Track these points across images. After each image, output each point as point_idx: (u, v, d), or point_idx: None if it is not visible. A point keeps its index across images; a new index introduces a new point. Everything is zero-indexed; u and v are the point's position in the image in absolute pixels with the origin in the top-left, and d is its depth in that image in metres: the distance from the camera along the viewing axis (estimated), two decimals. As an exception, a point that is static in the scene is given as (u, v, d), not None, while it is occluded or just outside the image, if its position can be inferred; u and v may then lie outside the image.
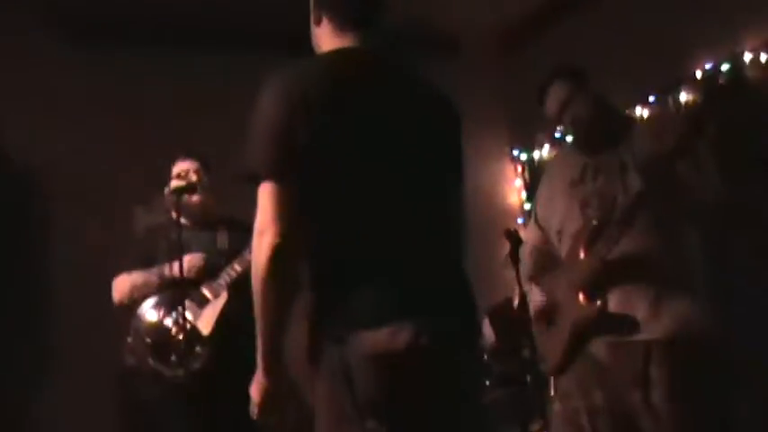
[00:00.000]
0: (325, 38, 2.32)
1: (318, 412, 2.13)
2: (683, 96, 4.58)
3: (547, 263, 3.20)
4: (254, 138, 2.11)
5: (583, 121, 3.07)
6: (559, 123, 3.20)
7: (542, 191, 3.38)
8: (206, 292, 3.67)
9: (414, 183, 2.16)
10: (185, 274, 3.48)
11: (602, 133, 3.10)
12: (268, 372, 2.12)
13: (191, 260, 3.64)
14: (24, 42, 5.39)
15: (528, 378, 3.66)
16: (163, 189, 3.83)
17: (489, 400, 4.35)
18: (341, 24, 2.29)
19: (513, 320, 3.26)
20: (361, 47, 2.27)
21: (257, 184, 2.07)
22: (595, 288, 2.91)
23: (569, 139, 3.26)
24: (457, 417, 2.13)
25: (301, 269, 2.13)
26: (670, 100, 4.69)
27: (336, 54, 2.25)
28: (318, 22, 2.34)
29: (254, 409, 2.17)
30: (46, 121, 5.32)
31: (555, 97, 3.12)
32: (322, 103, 2.07)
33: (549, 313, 3.09)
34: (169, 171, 3.91)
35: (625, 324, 2.86)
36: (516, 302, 3.08)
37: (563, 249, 3.12)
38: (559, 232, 3.15)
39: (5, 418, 4.90)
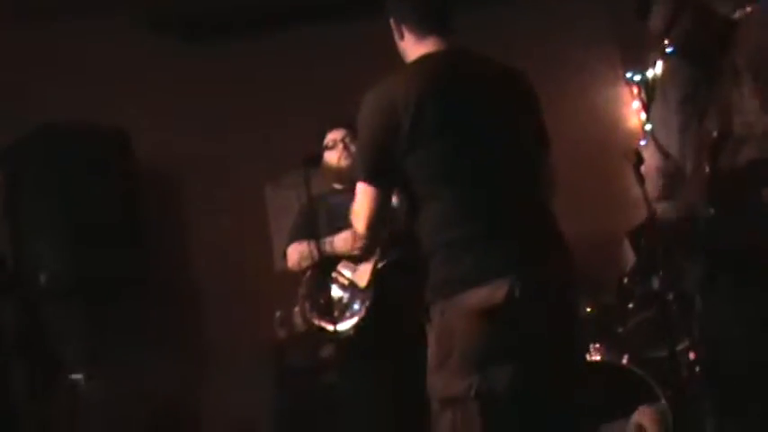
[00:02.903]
0: (410, 48, 2.69)
1: (429, 363, 2.48)
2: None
3: (673, 182, 3.16)
4: (357, 147, 2.72)
5: (690, 35, 3.00)
6: (665, 39, 3.13)
7: (656, 111, 3.31)
8: None
9: (502, 157, 2.54)
10: (346, 251, 3.73)
11: (711, 43, 3.01)
12: None
13: (348, 237, 3.81)
14: (136, 42, 5.65)
15: (671, 297, 3.63)
16: (291, 165, 3.96)
17: (633, 323, 4.36)
18: (420, 33, 2.65)
19: (652, 240, 3.24)
20: (441, 50, 2.62)
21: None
22: (727, 199, 2.85)
23: (677, 53, 3.17)
24: (556, 358, 2.47)
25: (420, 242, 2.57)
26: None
27: (420, 63, 2.62)
28: (402, 36, 2.70)
29: None
30: (169, 116, 5.61)
31: (659, 14, 3.05)
32: (410, 110, 2.45)
33: (683, 229, 3.05)
34: (321, 143, 4.01)
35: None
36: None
37: (687, 166, 3.06)
38: (681, 149, 3.10)
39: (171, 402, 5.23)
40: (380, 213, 2.58)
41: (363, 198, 2.58)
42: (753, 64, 2.83)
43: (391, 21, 2.72)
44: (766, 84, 2.78)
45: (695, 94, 3.05)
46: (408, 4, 2.69)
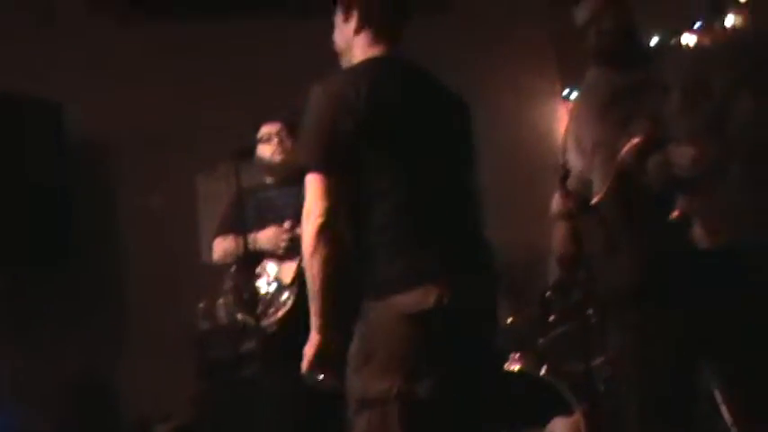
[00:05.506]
0: (361, 47, 2.65)
1: (349, 363, 2.43)
2: (730, 20, 4.43)
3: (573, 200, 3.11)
4: (303, 137, 2.53)
5: (610, 33, 2.96)
6: (586, 34, 3.03)
7: (577, 114, 3.24)
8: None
9: (437, 168, 2.53)
10: (270, 248, 3.80)
11: (629, 50, 3.00)
12: (320, 330, 2.41)
13: (272, 235, 3.83)
14: (78, 19, 5.61)
15: (590, 312, 3.69)
16: (225, 155, 3.93)
17: (553, 335, 4.43)
18: (377, 37, 2.64)
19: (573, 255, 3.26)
20: (390, 56, 2.63)
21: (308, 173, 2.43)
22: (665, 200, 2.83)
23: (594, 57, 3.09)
24: (478, 367, 2.49)
25: (349, 244, 2.47)
26: (716, 25, 4.56)
27: (370, 63, 2.60)
28: (358, 33, 2.65)
29: (305, 365, 2.44)
30: (106, 95, 5.50)
31: (587, 6, 3.01)
32: (359, 106, 2.40)
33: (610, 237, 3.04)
34: (255, 136, 3.99)
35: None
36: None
37: (599, 172, 2.97)
38: (593, 151, 3.01)
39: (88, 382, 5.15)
40: (338, 206, 2.38)
41: (316, 191, 2.38)
42: (686, 86, 2.85)
43: (354, 16, 2.66)
44: (694, 106, 2.82)
45: (613, 102, 2.99)
46: (377, 6, 2.67)
